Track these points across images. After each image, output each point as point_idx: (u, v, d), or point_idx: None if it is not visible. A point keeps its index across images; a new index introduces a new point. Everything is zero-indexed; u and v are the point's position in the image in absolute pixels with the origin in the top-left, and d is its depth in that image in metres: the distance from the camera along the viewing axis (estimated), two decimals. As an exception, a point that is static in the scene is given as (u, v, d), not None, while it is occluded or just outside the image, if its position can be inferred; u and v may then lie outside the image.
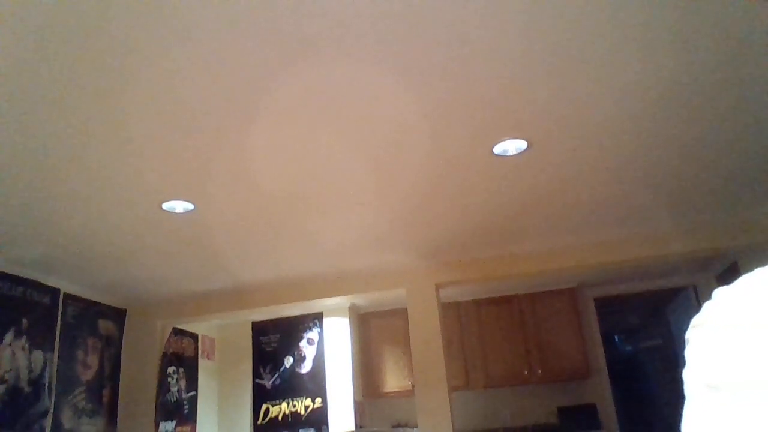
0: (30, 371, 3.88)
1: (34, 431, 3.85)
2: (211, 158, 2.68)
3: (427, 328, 4.66)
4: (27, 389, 3.83)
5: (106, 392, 4.68)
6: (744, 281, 0.52)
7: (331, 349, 5.76)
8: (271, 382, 5.84)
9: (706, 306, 0.53)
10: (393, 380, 5.88)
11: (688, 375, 0.52)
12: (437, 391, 4.51)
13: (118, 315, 4.96)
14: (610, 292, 6.12)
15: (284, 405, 5.73)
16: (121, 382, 4.86)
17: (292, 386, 5.75)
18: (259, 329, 6.02)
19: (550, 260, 4.62)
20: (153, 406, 4.84)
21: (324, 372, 5.69)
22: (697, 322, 0.53)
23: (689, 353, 0.53)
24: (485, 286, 5.73)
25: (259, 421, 5.76)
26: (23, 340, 3.85)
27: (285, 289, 5.03)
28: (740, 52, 2.19)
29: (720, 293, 0.53)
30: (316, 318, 5.85)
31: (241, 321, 6.03)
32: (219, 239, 3.74)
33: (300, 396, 5.70)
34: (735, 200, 3.85)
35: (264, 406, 5.78)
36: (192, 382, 5.54)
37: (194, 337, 5.72)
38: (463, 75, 2.20)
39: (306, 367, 5.77)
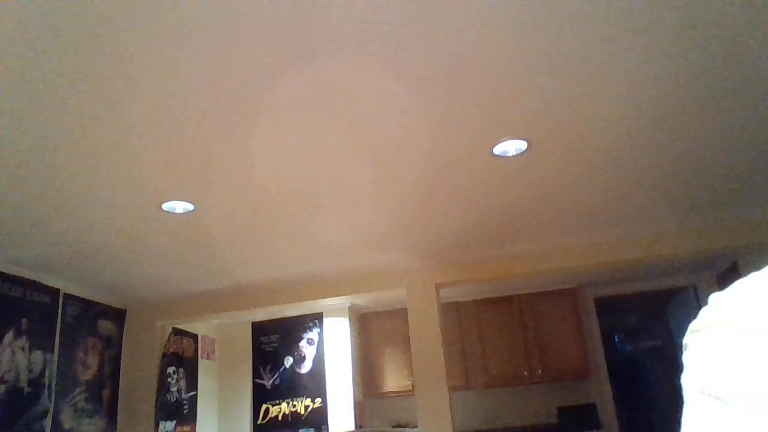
0: (30, 371, 3.88)
1: (34, 431, 3.85)
2: (211, 158, 2.68)
3: (427, 328, 4.66)
4: (27, 389, 3.83)
5: (106, 392, 4.68)
6: (739, 286, 0.52)
7: (331, 349, 5.76)
8: (271, 382, 5.84)
9: (703, 311, 0.53)
10: (393, 380, 5.88)
11: (686, 381, 0.52)
12: (437, 391, 4.50)
13: (118, 315, 4.96)
14: (610, 292, 6.12)
15: (284, 405, 5.73)
16: (121, 383, 4.86)
17: (292, 386, 5.75)
18: (259, 329, 6.02)
19: (550, 260, 4.62)
20: (153, 406, 4.83)
21: (324, 372, 5.70)
22: (694, 327, 0.53)
23: (687, 359, 0.53)
24: (485, 286, 5.73)
25: (259, 421, 5.76)
26: (23, 340, 3.85)
27: (285, 289, 5.03)
28: (740, 52, 2.19)
29: (716, 298, 0.53)
30: (316, 318, 5.85)
31: (241, 321, 6.03)
32: (219, 239, 3.74)
33: (300, 396, 5.70)
34: (735, 200, 3.85)
35: (264, 406, 5.78)
36: (192, 382, 5.54)
37: (194, 337, 5.72)
38: (462, 75, 2.20)
39: (306, 367, 5.77)
